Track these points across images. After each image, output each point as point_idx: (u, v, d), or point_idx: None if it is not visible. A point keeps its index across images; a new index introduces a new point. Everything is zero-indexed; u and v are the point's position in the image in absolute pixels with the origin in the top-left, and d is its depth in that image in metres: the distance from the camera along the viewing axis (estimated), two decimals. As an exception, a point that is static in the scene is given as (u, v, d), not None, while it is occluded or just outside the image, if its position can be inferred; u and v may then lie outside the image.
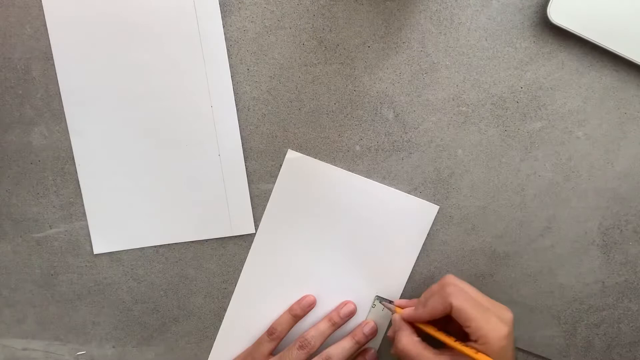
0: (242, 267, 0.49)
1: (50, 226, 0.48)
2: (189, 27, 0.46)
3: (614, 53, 0.44)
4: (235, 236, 0.48)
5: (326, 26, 0.46)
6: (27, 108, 0.47)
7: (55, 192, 0.48)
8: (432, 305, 0.41)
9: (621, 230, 0.48)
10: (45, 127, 0.47)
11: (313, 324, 0.48)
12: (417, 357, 0.41)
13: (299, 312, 0.48)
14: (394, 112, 0.47)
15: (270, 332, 0.48)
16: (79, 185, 0.47)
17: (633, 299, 0.49)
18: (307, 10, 0.46)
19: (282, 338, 0.48)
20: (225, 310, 0.50)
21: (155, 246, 0.49)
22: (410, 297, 0.48)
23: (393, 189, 0.48)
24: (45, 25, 0.45)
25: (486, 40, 0.46)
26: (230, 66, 0.46)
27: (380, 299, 0.48)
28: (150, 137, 0.47)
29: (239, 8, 0.45)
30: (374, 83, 0.46)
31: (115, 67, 0.46)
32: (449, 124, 0.47)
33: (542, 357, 0.50)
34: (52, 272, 0.49)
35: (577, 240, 0.48)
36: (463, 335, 0.40)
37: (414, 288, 0.49)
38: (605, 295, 0.49)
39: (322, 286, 0.49)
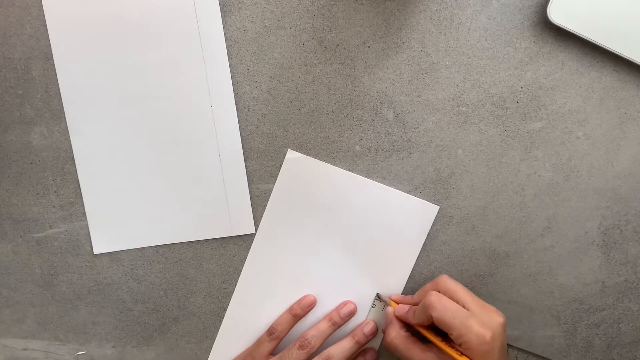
0: (242, 267, 0.49)
1: (50, 226, 0.48)
2: (189, 27, 0.46)
3: (614, 53, 0.44)
4: (235, 236, 0.48)
5: (326, 26, 0.46)
6: (27, 108, 0.47)
7: (55, 192, 0.48)
8: (417, 316, 0.43)
9: (621, 230, 0.48)
10: (45, 127, 0.47)
11: (313, 324, 0.48)
12: (405, 351, 0.43)
13: (299, 311, 0.48)
14: (394, 112, 0.47)
15: (270, 332, 0.48)
16: (79, 185, 0.47)
17: (633, 299, 0.49)
18: (307, 10, 0.46)
19: (282, 338, 0.48)
20: (225, 310, 0.50)
21: (155, 246, 0.49)
22: (410, 297, 0.48)
23: (393, 189, 0.48)
24: (45, 25, 0.45)
25: (486, 40, 0.46)
26: (230, 66, 0.46)
27: (379, 295, 0.48)
28: (150, 137, 0.47)
29: (239, 8, 0.45)
30: (374, 83, 0.46)
31: (115, 67, 0.46)
32: (449, 124, 0.47)
33: (542, 357, 0.50)
34: (52, 272, 0.49)
35: (577, 240, 0.48)
36: None
37: (414, 288, 0.49)
38: (605, 295, 0.49)
39: (322, 286, 0.49)
